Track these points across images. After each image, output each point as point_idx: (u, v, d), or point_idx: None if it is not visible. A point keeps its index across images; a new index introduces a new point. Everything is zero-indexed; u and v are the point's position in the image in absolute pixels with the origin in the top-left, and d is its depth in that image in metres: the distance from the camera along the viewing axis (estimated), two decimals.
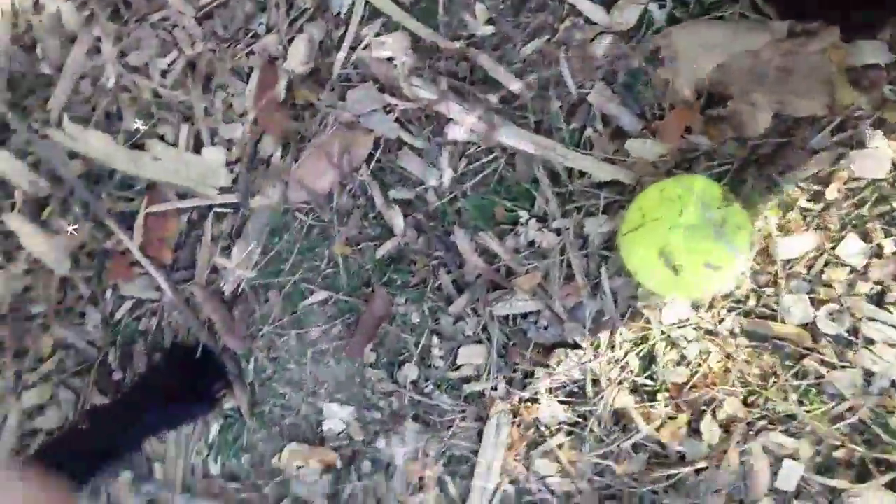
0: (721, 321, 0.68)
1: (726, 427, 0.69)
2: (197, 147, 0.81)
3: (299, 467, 0.76)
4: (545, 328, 0.75)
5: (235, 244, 0.79)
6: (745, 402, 0.69)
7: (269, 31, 0.81)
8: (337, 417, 0.77)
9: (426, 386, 0.77)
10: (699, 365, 0.70)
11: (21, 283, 0.81)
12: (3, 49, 0.83)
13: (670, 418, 0.70)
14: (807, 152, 0.65)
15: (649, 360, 0.71)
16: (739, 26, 0.65)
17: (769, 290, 0.66)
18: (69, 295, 0.81)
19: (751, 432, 0.67)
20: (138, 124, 0.82)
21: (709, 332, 0.69)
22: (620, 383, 0.72)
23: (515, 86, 0.74)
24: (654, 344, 0.71)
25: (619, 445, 0.72)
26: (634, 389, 0.72)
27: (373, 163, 0.79)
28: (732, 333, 0.68)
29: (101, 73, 0.84)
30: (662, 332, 0.71)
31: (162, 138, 0.82)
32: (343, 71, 0.79)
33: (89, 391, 0.79)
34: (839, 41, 0.60)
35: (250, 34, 0.82)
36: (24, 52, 0.84)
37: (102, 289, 0.80)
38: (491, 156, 0.76)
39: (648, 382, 0.71)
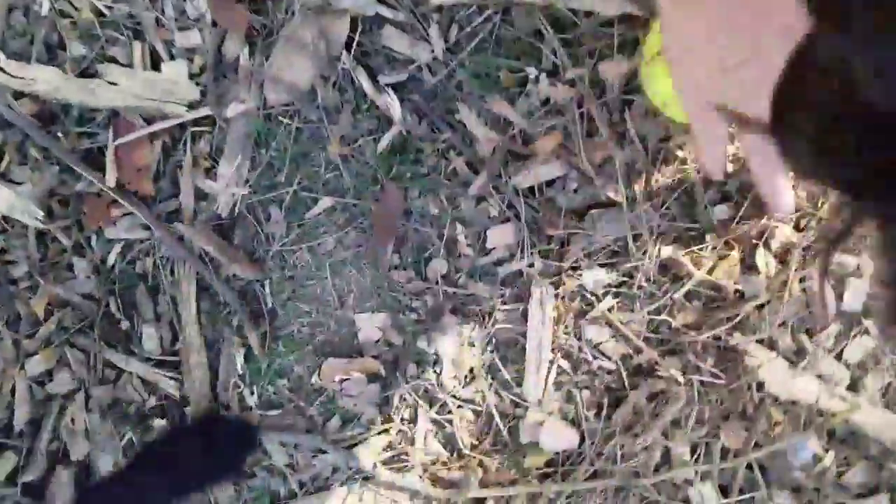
0: None
1: (781, 257, 0.71)
2: (155, 64, 0.78)
3: (343, 380, 0.76)
4: (574, 191, 0.75)
5: (219, 162, 0.76)
6: (797, 228, 0.70)
7: None
8: (370, 326, 0.78)
9: (458, 277, 0.78)
10: (744, 197, 0.70)
11: None
12: None
13: (721, 258, 0.72)
14: None
15: (690, 202, 0.71)
16: None
17: None
18: (51, 249, 0.80)
19: (808, 257, 0.68)
20: (84, 50, 0.77)
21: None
22: (663, 233, 0.72)
23: None
24: (694, 184, 0.70)
25: (671, 297, 0.73)
26: (679, 237, 0.73)
27: (353, 47, 0.76)
28: None
29: (32, 0, 0.78)
30: (699, 172, 0.70)
31: (114, 60, 0.78)
32: None
33: (98, 347, 0.78)
34: None
35: None
36: None
37: (85, 237, 0.78)
38: (484, 16, 0.74)
39: (693, 226, 0.72)
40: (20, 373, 0.82)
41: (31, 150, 0.78)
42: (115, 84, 0.77)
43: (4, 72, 0.79)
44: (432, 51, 0.77)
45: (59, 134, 0.78)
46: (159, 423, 0.80)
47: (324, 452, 0.81)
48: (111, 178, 0.76)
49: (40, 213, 0.78)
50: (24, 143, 0.79)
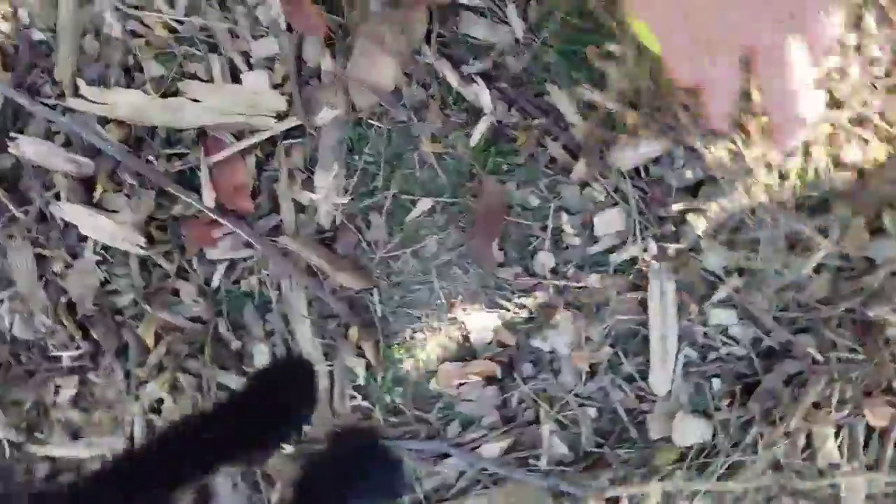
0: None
1: None
2: (235, 76, 0.88)
3: (460, 385, 0.86)
4: (682, 167, 0.81)
5: (315, 173, 0.86)
6: None
7: None
8: (482, 327, 0.87)
9: (567, 269, 0.86)
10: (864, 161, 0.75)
11: (96, 278, 0.91)
12: None
13: (846, 225, 0.77)
14: None
15: (811, 170, 0.77)
16: None
17: None
18: (153, 275, 0.91)
19: None
20: (161, 69, 0.88)
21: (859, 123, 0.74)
22: (783, 203, 0.78)
23: None
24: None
25: (799, 272, 0.79)
26: (799, 206, 0.79)
27: (433, 39, 0.84)
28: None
29: (102, 23, 0.89)
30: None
31: (194, 77, 0.89)
32: None
33: (209, 370, 0.90)
34: None
35: None
36: (7, 21, 0.90)
37: (187, 260, 0.89)
38: None
39: (812, 194, 0.77)
40: (136, 403, 0.95)
41: (125, 177, 0.91)
42: (198, 101, 0.88)
43: (87, 99, 0.91)
44: (513, 33, 0.85)
45: (150, 157, 0.90)
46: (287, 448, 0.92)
47: (448, 457, 0.91)
48: (208, 198, 0.87)
49: (142, 240, 0.90)
50: (116, 170, 0.92)
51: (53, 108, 0.92)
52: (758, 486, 0.87)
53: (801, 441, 0.84)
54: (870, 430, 0.84)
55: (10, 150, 0.92)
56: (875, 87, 0.75)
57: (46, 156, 0.91)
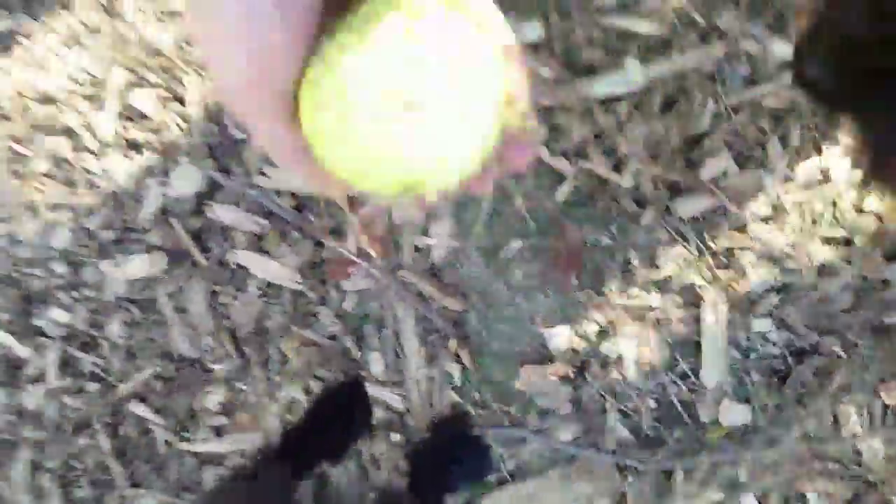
0: None
1: None
2: None
3: (538, 382, 1.07)
4: (727, 213, 0.99)
5: (431, 224, 1.06)
6: None
7: None
8: (559, 337, 1.07)
9: (632, 290, 1.04)
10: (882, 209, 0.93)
11: (256, 307, 1.12)
12: (201, 129, 1.09)
13: (865, 254, 0.96)
14: None
15: (839, 215, 0.95)
16: None
17: None
18: (300, 303, 1.12)
19: None
20: None
21: None
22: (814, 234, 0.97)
23: None
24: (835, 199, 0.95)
25: (827, 292, 0.98)
26: (828, 241, 0.97)
27: None
28: None
29: None
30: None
31: None
32: None
33: (335, 376, 1.11)
34: None
35: None
36: (215, 123, 1.10)
37: (327, 290, 1.10)
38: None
39: (838, 234, 0.96)
40: (272, 403, 1.17)
41: (290, 231, 1.11)
42: None
43: (267, 177, 1.12)
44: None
45: (311, 217, 1.11)
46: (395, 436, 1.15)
47: (525, 440, 1.13)
48: (353, 245, 1.09)
49: (298, 278, 1.11)
50: (286, 227, 1.11)
51: (244, 184, 1.13)
52: (791, 453, 1.08)
53: (829, 419, 1.05)
54: (885, 407, 1.06)
55: (206, 213, 1.13)
56: None
57: (234, 218, 1.13)
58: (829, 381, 1.04)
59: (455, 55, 0.29)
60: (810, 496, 1.08)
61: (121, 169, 1.16)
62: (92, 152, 1.17)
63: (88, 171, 1.17)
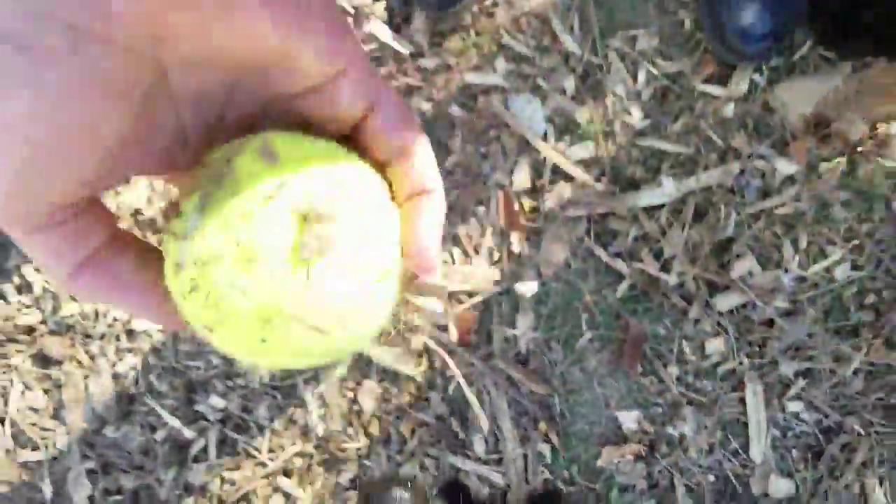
0: None
1: None
2: (467, 259, 1.40)
3: (617, 461, 1.30)
4: (764, 305, 1.29)
5: (517, 317, 1.36)
6: None
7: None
8: (630, 420, 1.32)
9: (688, 377, 1.32)
10: (880, 303, 1.23)
11: (378, 392, 1.40)
12: None
13: (871, 345, 1.23)
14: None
15: (843, 308, 1.24)
16: (820, 75, 1.21)
17: None
18: (412, 388, 1.39)
19: None
20: None
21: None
22: (828, 330, 1.25)
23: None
24: (840, 294, 1.24)
25: (844, 375, 1.24)
26: (838, 330, 1.25)
27: (592, 232, 1.36)
28: None
29: None
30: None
31: (447, 261, 1.41)
32: None
33: (444, 454, 1.36)
34: (889, 64, 1.16)
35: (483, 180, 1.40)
36: None
37: (435, 377, 1.38)
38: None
39: (847, 323, 1.24)
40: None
41: (401, 328, 1.42)
42: (447, 276, 1.41)
43: None
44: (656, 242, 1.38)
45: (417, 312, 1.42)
46: None
47: None
48: (453, 338, 1.38)
49: (412, 364, 1.40)
50: (397, 323, 1.43)
51: None
52: None
53: (857, 489, 1.26)
54: None
55: None
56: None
57: None
58: (854, 457, 1.27)
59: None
60: None
61: None
62: None
63: None
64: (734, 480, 1.31)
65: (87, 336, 1.50)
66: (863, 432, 1.26)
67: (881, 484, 1.25)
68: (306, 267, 0.28)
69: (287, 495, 1.42)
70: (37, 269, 1.52)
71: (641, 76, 1.32)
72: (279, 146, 0.29)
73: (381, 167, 0.32)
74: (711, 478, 1.32)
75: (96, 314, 1.49)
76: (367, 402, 1.41)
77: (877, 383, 1.26)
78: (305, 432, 1.43)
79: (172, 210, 0.29)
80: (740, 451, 1.31)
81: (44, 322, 1.51)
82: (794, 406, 1.29)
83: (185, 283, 0.28)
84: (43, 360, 1.51)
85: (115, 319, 1.49)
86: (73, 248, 0.28)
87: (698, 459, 1.32)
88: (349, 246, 0.29)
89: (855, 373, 1.26)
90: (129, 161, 0.28)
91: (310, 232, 0.28)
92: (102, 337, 1.49)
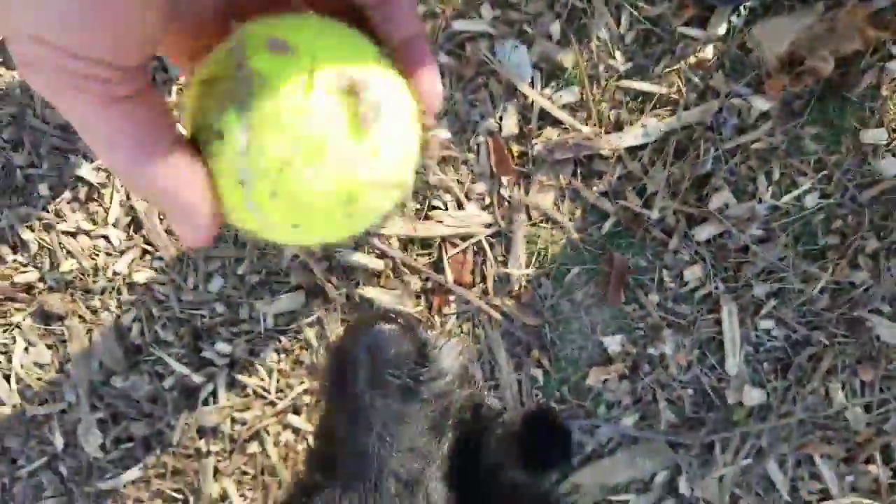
0: None
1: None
2: (460, 205, 1.47)
3: (604, 380, 1.43)
4: (741, 234, 1.40)
5: (509, 256, 1.45)
6: None
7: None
8: (615, 343, 1.44)
9: (667, 303, 1.43)
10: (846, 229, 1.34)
11: None
12: None
13: (831, 267, 1.35)
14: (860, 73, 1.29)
15: (812, 234, 1.36)
16: (794, 14, 1.29)
17: None
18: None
19: None
20: (415, 205, 1.47)
21: None
22: (800, 240, 1.37)
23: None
24: (809, 220, 1.35)
25: (812, 297, 1.37)
26: (807, 254, 1.37)
27: (578, 173, 1.44)
28: None
29: None
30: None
31: (437, 208, 1.47)
32: None
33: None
34: (858, 2, 1.24)
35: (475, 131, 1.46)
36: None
37: (432, 315, 1.47)
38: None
39: (814, 246, 1.36)
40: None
41: (402, 268, 1.49)
42: (440, 222, 1.47)
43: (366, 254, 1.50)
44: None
45: (414, 256, 1.49)
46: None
47: (598, 428, 1.47)
48: (449, 279, 1.46)
49: (411, 304, 1.48)
50: (396, 265, 1.50)
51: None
52: (798, 420, 1.43)
53: (822, 392, 1.41)
54: (863, 383, 1.42)
55: (337, 257, 1.51)
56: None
57: (357, 259, 1.52)
58: (819, 365, 1.41)
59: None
60: (816, 458, 1.41)
61: None
62: None
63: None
64: (711, 393, 1.44)
65: (87, 291, 1.53)
66: (828, 343, 1.39)
67: (843, 388, 1.40)
68: (368, 134, 0.29)
69: (297, 430, 1.51)
70: (41, 226, 1.54)
71: (624, 20, 1.37)
72: (282, 35, 0.29)
73: (363, 15, 0.33)
74: (690, 391, 1.45)
75: (95, 269, 1.53)
76: None
77: (841, 299, 1.38)
78: (312, 371, 1.51)
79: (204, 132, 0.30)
80: (716, 366, 1.44)
81: (42, 280, 1.54)
82: (766, 324, 1.42)
83: (260, 194, 0.29)
84: (44, 316, 1.54)
85: (115, 274, 1.52)
86: (150, 129, 0.28)
87: (678, 375, 1.45)
88: (387, 102, 0.30)
89: (821, 291, 1.39)
90: (174, 22, 0.30)
91: (361, 102, 0.29)
92: (103, 292, 1.53)
